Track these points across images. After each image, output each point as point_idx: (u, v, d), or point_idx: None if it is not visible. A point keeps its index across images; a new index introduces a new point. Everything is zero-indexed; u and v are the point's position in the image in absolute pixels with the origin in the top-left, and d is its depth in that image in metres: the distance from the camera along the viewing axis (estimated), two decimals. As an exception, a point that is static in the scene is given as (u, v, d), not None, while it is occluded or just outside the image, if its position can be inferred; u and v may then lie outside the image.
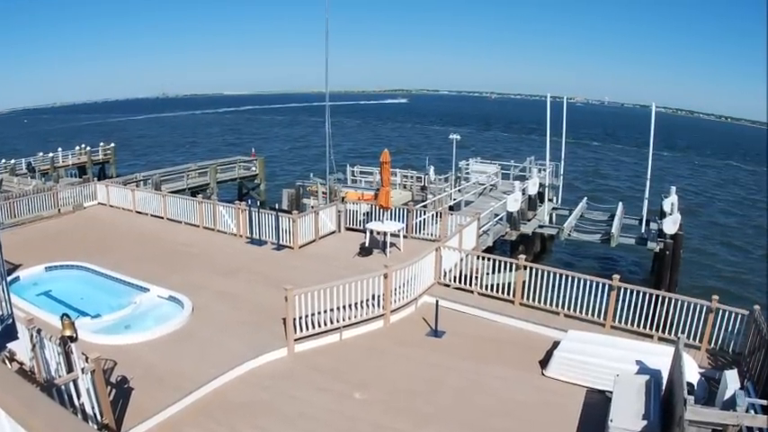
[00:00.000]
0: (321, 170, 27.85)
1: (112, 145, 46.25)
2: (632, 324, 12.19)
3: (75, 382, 7.69)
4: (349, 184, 32.73)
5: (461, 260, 15.18)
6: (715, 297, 11.36)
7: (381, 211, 18.15)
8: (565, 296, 12.84)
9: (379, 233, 17.86)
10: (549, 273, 13.20)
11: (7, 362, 8.59)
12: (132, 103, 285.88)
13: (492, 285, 14.18)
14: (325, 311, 11.84)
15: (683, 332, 11.10)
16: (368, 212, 19.63)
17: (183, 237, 19.42)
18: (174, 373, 10.27)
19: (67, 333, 7.52)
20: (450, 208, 25.38)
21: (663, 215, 24.41)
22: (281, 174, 52.04)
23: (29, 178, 34.51)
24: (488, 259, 14.52)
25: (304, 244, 18.12)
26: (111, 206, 23.19)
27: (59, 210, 21.95)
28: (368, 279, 12.45)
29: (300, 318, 11.52)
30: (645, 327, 12.03)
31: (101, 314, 12.67)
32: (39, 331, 8.54)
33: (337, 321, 12.05)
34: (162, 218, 21.37)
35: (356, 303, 12.32)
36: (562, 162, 31.57)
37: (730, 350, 11.40)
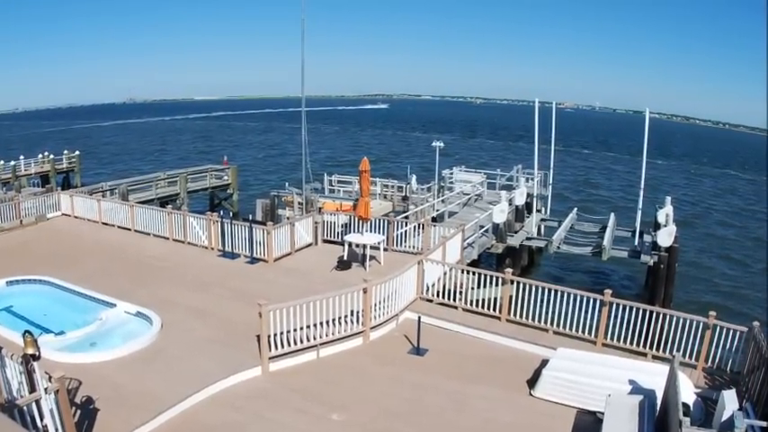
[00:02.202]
0: (297, 179, 27.82)
1: (77, 153, 46.09)
2: (625, 341, 12.28)
3: (37, 402, 7.66)
4: (326, 193, 32.80)
5: (445, 274, 15.30)
6: (712, 313, 11.44)
7: (360, 222, 18.17)
8: (554, 312, 12.91)
9: (358, 246, 17.94)
10: (537, 287, 13.24)
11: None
12: (98, 108, 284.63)
13: (477, 301, 14.23)
14: (302, 328, 11.87)
15: (678, 350, 11.14)
16: (346, 224, 19.72)
17: (151, 249, 19.35)
18: (141, 393, 10.23)
19: (30, 351, 7.50)
20: (433, 219, 25.56)
21: (657, 227, 24.62)
22: (255, 183, 52.03)
23: (-12, 188, 34.16)
24: (473, 273, 14.59)
25: (279, 257, 18.15)
26: (76, 217, 23.05)
27: (21, 221, 21.77)
28: (346, 294, 12.49)
29: (275, 335, 11.54)
30: (638, 344, 12.14)
31: (65, 331, 12.58)
32: (-1, 349, 8.51)
33: (314, 339, 12.08)
34: (129, 229, 21.28)
35: (334, 320, 12.35)
36: (551, 171, 31.93)
37: (728, 369, 11.47)
